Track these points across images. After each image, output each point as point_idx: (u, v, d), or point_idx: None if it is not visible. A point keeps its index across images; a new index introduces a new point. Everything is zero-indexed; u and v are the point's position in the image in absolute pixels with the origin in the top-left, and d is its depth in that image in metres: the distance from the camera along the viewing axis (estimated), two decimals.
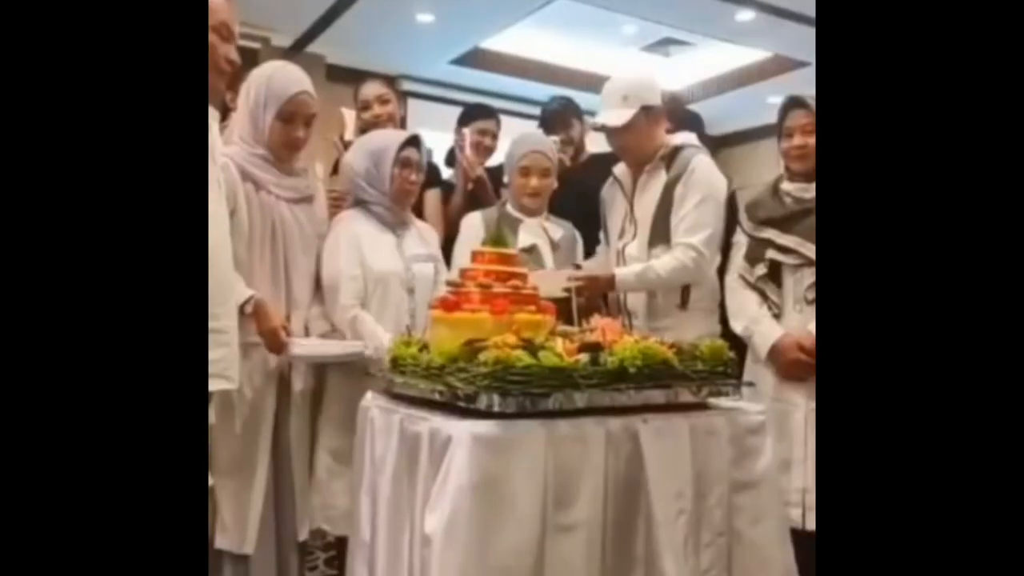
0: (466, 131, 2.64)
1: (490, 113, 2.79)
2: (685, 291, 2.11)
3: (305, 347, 1.88)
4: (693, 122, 2.65)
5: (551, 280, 1.87)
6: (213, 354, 1.55)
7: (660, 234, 2.11)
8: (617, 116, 2.14)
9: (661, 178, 2.14)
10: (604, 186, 2.36)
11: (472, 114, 2.79)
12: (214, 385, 1.58)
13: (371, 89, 2.54)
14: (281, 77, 1.90)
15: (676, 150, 2.15)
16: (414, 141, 2.12)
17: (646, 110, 2.14)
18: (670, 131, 2.32)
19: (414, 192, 2.14)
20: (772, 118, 2.20)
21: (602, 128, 2.20)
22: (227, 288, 1.65)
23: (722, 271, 2.19)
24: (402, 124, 2.65)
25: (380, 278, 2.03)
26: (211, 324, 1.54)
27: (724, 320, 2.18)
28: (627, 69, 2.62)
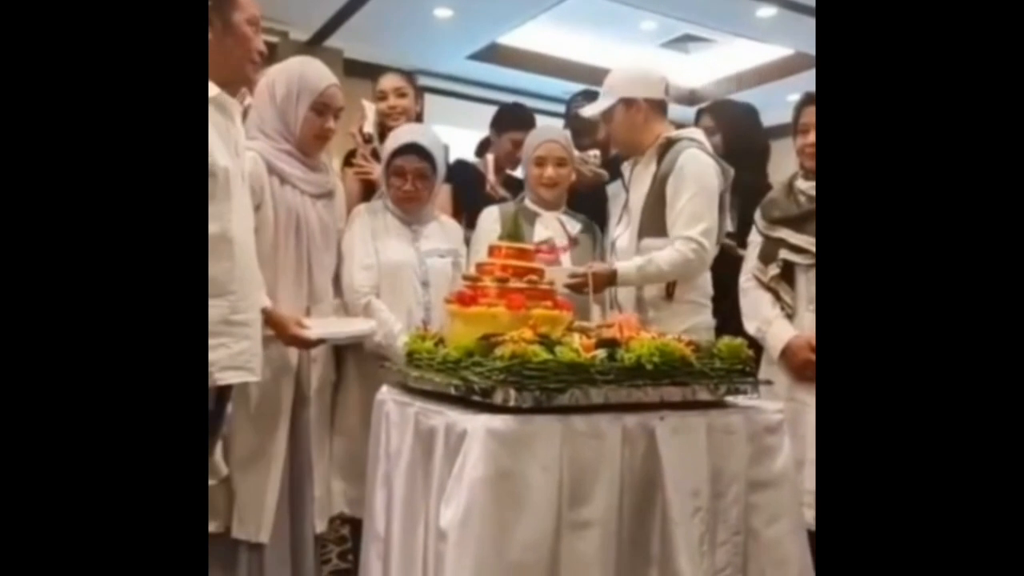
0: (489, 157, 2.64)
1: (526, 123, 2.68)
2: (671, 283, 2.10)
3: (320, 331, 1.88)
4: (748, 114, 2.65)
5: (553, 276, 1.86)
6: (236, 347, 1.57)
7: (649, 226, 2.10)
8: (594, 107, 2.23)
9: (652, 170, 2.14)
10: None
11: (507, 121, 2.71)
12: (237, 377, 1.60)
13: (389, 81, 2.54)
14: (313, 71, 1.95)
15: (669, 143, 2.14)
16: (411, 149, 2.07)
17: (626, 102, 2.15)
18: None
19: (413, 198, 2.09)
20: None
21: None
22: (251, 282, 1.66)
23: (715, 266, 2.17)
24: (419, 119, 2.63)
25: (391, 269, 2.05)
26: (235, 317, 1.57)
27: (730, 316, 2.16)
28: (631, 63, 2.59)
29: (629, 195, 2.21)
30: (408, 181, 2.08)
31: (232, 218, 1.59)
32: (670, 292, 2.10)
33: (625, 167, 2.26)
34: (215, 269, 1.47)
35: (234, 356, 1.57)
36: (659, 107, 2.19)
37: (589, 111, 2.26)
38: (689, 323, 2.06)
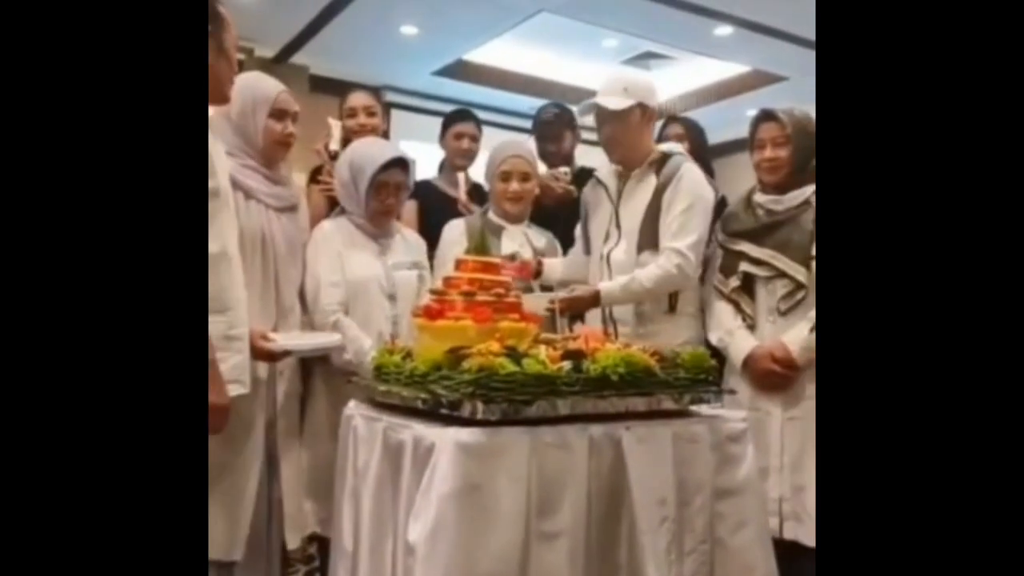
0: (460, 176, 2.66)
1: (466, 116, 2.80)
2: (673, 296, 2.14)
3: (285, 343, 1.86)
4: (696, 131, 2.73)
5: (533, 303, 1.87)
6: (232, 361, 1.60)
7: (648, 239, 2.12)
8: (615, 102, 2.13)
9: (650, 183, 2.15)
10: (585, 189, 2.36)
11: (451, 120, 2.80)
12: (232, 391, 1.59)
13: (359, 99, 2.55)
14: (263, 81, 2.01)
15: (665, 157, 2.18)
16: (397, 163, 2.08)
17: (642, 108, 2.16)
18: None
19: (391, 212, 2.12)
20: None
21: (597, 113, 2.18)
22: (240, 296, 1.68)
23: (703, 279, 2.21)
24: (385, 136, 2.64)
25: (359, 284, 2.04)
26: (232, 332, 1.61)
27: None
28: (639, 73, 2.67)
29: (619, 209, 2.20)
30: (391, 195, 2.09)
31: (228, 236, 1.63)
32: (672, 305, 2.14)
33: (610, 180, 2.25)
34: (216, 286, 1.51)
35: (230, 370, 1.59)
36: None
37: (606, 102, 2.13)
38: (689, 335, 2.11)
